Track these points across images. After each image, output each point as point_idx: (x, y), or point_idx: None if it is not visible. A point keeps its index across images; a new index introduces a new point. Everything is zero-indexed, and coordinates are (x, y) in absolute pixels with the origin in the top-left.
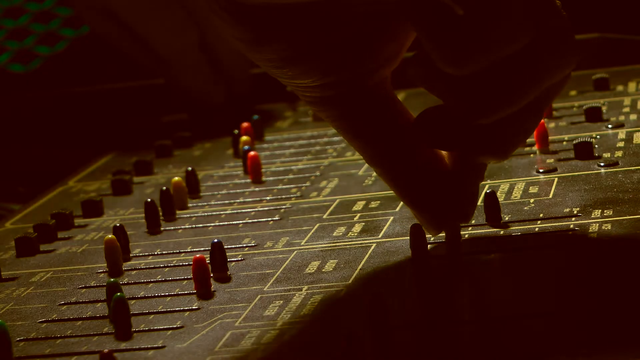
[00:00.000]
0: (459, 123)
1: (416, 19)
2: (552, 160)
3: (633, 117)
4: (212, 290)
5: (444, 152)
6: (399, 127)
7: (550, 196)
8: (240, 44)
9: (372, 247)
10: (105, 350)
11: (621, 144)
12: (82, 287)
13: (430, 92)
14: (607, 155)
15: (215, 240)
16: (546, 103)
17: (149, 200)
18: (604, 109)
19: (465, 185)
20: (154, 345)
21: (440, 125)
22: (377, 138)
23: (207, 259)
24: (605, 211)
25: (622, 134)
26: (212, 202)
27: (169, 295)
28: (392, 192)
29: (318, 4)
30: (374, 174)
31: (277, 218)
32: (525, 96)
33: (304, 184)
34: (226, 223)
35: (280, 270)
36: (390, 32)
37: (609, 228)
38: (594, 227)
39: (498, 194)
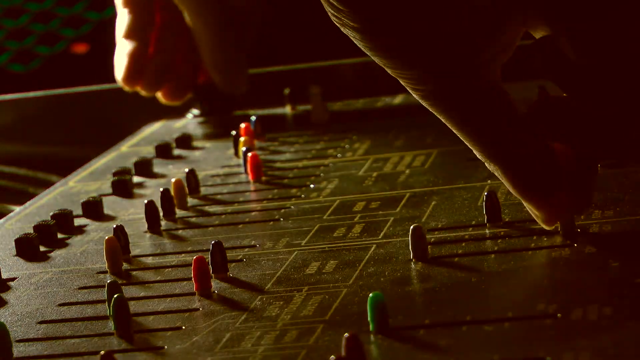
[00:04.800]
0: (579, 115)
1: (551, 11)
2: None
3: None
4: (212, 290)
5: (557, 146)
6: (509, 120)
7: None
8: (348, 31)
9: (373, 248)
10: (106, 351)
11: None
12: (82, 287)
13: (555, 81)
14: None
15: (216, 241)
16: None
17: (148, 200)
18: None
19: (579, 179)
20: (154, 346)
21: (559, 116)
22: (487, 131)
23: (207, 259)
24: (605, 212)
25: None
26: (212, 202)
27: (169, 296)
28: (392, 192)
29: None
30: (374, 174)
31: (277, 218)
32: None
33: (304, 185)
34: (226, 223)
35: (281, 270)
36: (504, 23)
37: (609, 228)
38: (594, 228)
39: (499, 194)
